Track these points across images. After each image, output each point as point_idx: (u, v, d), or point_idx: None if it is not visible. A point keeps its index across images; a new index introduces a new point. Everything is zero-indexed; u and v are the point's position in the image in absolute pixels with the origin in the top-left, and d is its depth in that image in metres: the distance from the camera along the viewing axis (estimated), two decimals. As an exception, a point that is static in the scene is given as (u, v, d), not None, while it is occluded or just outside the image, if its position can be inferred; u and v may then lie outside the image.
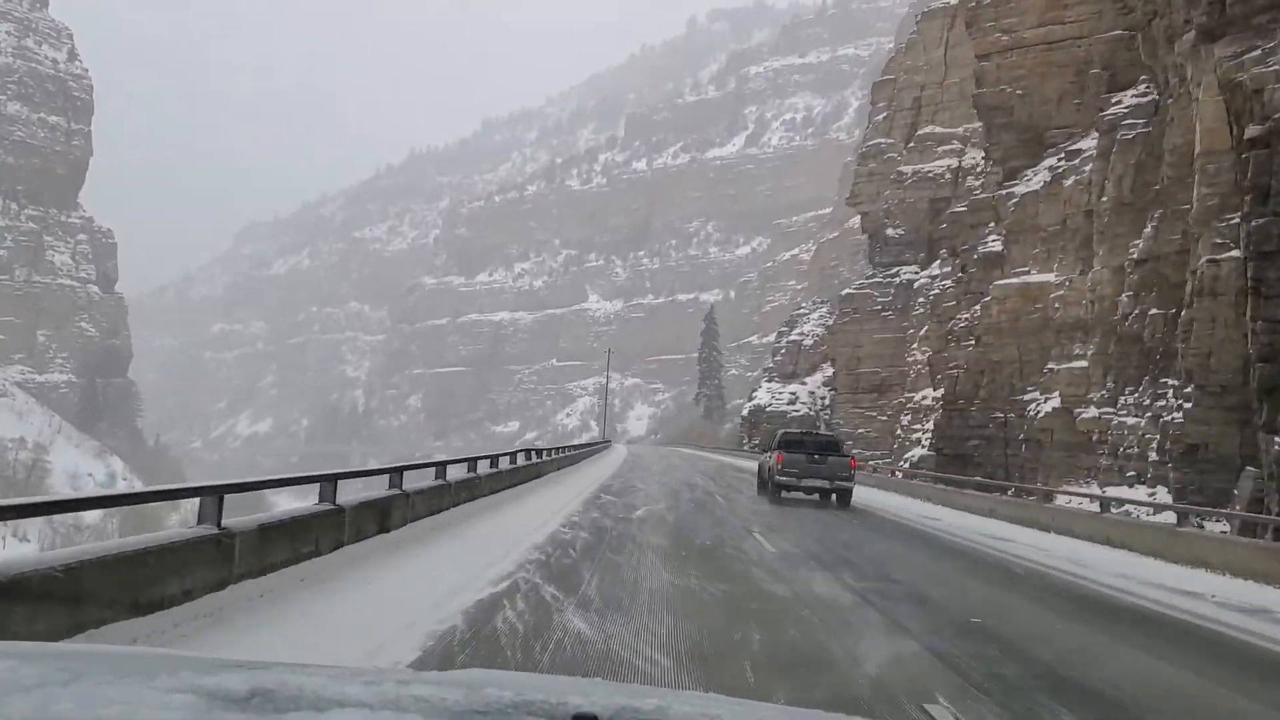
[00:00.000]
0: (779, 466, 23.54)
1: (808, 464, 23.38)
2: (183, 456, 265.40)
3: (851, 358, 55.94)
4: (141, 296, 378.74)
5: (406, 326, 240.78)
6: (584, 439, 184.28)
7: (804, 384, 62.66)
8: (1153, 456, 23.46)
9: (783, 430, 28.78)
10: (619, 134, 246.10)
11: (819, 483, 23.48)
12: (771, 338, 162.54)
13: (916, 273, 55.13)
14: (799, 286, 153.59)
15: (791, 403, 60.46)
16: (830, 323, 68.88)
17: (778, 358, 68.92)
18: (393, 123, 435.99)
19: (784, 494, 23.89)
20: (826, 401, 59.32)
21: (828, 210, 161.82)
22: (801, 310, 72.14)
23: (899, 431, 49.11)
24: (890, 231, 55.83)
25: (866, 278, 57.07)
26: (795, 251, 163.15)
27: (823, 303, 73.50)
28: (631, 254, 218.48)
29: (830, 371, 59.97)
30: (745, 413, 63.14)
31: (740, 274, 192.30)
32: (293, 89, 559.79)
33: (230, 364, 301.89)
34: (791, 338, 68.24)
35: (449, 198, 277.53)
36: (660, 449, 76.66)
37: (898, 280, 55.29)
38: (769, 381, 67.15)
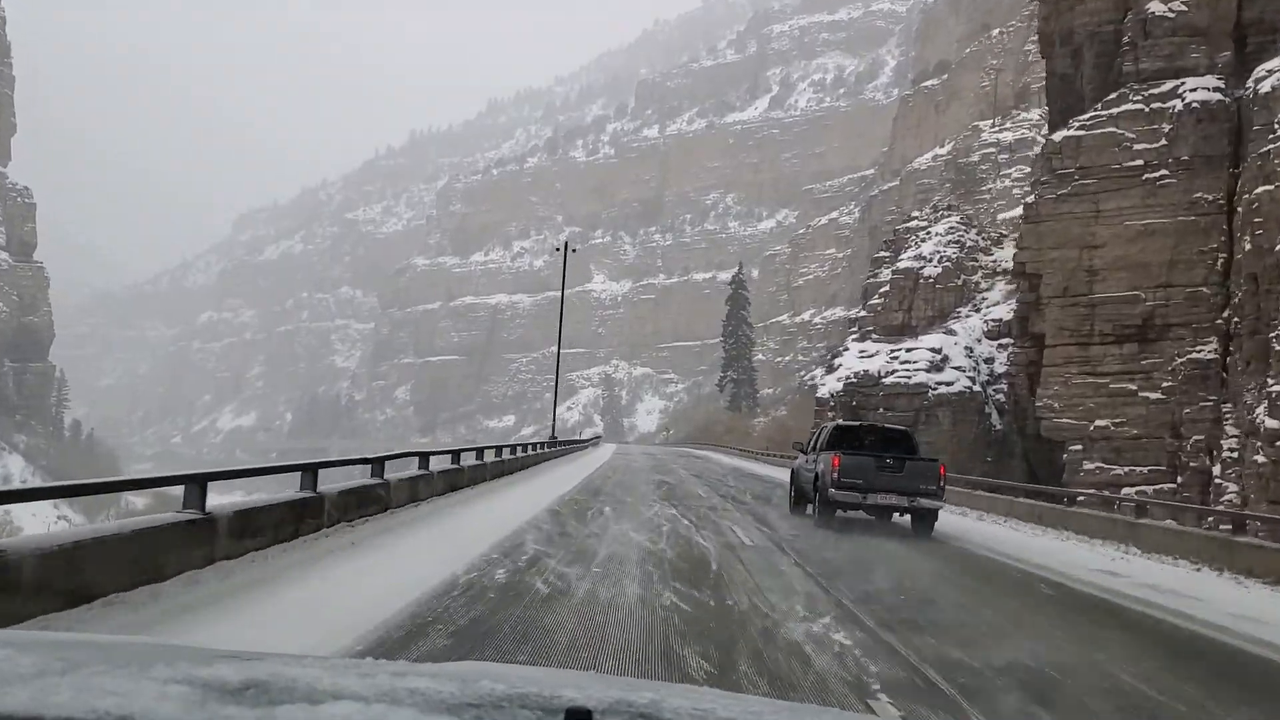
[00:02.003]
0: (835, 474, 14.89)
1: (878, 471, 15.08)
2: (163, 452, 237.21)
3: (1072, 271, 25.60)
4: (137, 285, 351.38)
5: (397, 311, 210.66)
6: (587, 434, 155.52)
7: (950, 334, 32.09)
8: None
9: (835, 422, 19.45)
10: (629, 103, 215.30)
11: (894, 499, 15.09)
12: (807, 315, 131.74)
13: (1221, 85, 24.72)
14: (840, 255, 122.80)
15: (936, 369, 29.83)
16: (970, 238, 38.10)
17: (875, 300, 38.07)
18: (396, 106, 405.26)
19: (840, 513, 15.40)
20: (1002, 366, 29.01)
21: (870, 170, 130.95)
22: (914, 222, 41.07)
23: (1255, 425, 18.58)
24: (1156, 7, 25.54)
25: (1103, 104, 26.23)
26: (834, 214, 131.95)
27: (950, 210, 42.71)
28: (641, 230, 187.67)
29: (1007, 309, 29.59)
30: (835, 390, 32.04)
31: (764, 249, 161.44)
32: (292, 74, 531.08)
33: (218, 354, 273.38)
34: (901, 266, 37.25)
35: (448, 176, 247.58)
36: (669, 455, 46.36)
37: (1182, 105, 24.92)
38: (864, 340, 36.60)
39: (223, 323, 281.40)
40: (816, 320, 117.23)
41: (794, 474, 18.72)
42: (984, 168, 69.74)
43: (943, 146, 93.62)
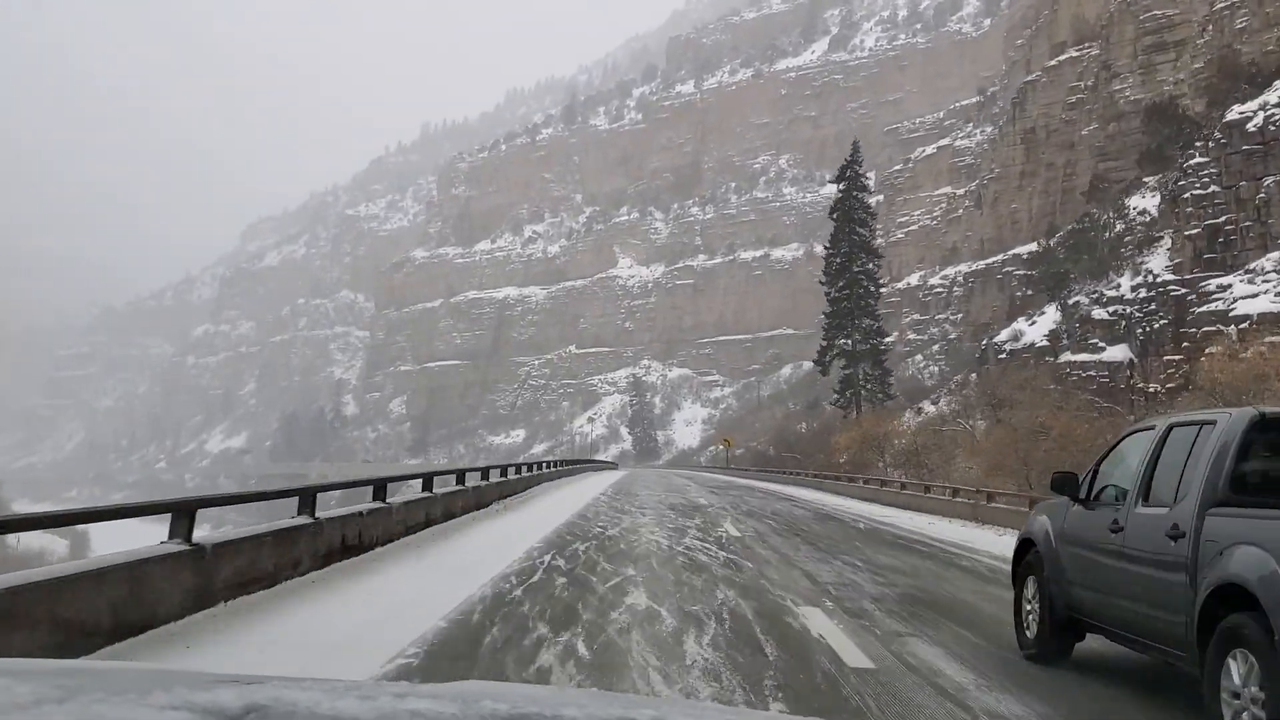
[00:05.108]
0: None
1: None
2: (144, 479, 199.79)
3: None
4: (139, 300, 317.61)
5: (394, 312, 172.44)
6: (611, 453, 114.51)
7: None
8: None
9: (1247, 411, 4.34)
10: (659, 65, 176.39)
11: None
12: (914, 279, 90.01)
13: None
14: (958, 191, 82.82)
15: None
16: None
17: None
18: (412, 104, 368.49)
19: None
20: None
21: (995, 87, 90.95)
22: None
23: None
24: None
25: None
26: (944, 142, 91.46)
27: None
28: (676, 204, 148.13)
29: None
30: None
31: (827, 220, 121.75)
32: (306, 73, 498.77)
33: (214, 370, 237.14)
34: None
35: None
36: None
37: None
38: None
39: (220, 336, 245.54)
40: (934, 283, 77.20)
41: (1049, 559, 6.13)
42: None
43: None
